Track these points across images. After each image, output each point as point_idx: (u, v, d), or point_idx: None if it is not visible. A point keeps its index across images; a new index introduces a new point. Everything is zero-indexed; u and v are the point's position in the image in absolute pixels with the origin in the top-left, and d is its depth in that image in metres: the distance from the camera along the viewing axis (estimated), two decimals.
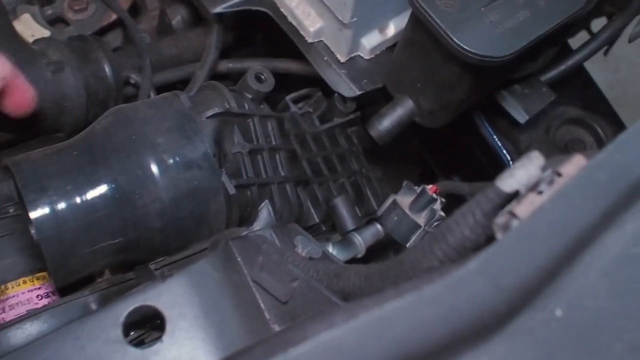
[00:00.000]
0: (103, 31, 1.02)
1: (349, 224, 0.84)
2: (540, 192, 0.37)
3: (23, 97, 0.65)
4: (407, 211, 0.80)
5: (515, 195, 0.38)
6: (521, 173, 0.38)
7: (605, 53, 1.10)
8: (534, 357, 0.35)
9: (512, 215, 0.36)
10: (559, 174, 0.37)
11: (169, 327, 0.47)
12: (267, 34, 1.10)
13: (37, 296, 0.71)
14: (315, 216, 0.81)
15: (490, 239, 0.41)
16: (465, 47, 0.65)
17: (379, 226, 0.95)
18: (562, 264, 0.35)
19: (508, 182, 0.38)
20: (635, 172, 0.36)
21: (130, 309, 0.48)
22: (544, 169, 0.39)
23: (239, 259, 0.53)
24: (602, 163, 0.36)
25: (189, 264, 0.51)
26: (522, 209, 0.36)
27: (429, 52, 0.71)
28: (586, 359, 0.35)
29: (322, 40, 0.87)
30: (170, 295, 0.48)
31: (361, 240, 0.92)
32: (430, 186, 0.80)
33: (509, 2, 0.68)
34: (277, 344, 0.33)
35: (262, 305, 0.52)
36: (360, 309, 0.32)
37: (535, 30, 0.67)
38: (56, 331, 0.49)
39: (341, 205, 0.84)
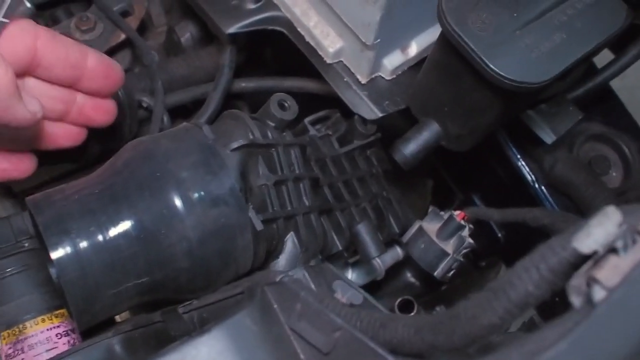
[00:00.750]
0: (111, 52, 0.99)
1: (373, 251, 0.81)
2: (618, 253, 0.35)
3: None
4: (435, 238, 0.77)
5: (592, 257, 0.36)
6: (599, 232, 0.35)
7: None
8: None
9: (593, 279, 0.34)
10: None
11: None
12: (278, 52, 1.07)
13: (57, 335, 0.69)
14: (338, 244, 0.78)
15: (555, 295, 0.38)
16: (501, 73, 0.62)
17: (399, 249, 0.93)
18: None
19: (585, 242, 0.35)
20: None
21: None
22: (621, 225, 0.36)
23: (276, 306, 0.50)
24: None
25: (223, 313, 0.48)
26: (605, 274, 0.33)
27: (460, 76, 0.68)
28: None
29: (341, 61, 0.84)
30: (209, 352, 0.45)
31: (381, 264, 0.90)
32: (457, 212, 0.77)
33: (545, 24, 0.65)
34: None
35: (302, 356, 0.49)
36: None
37: (572, 53, 0.65)
38: None
39: (364, 231, 0.81)
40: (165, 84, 0.93)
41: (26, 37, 0.60)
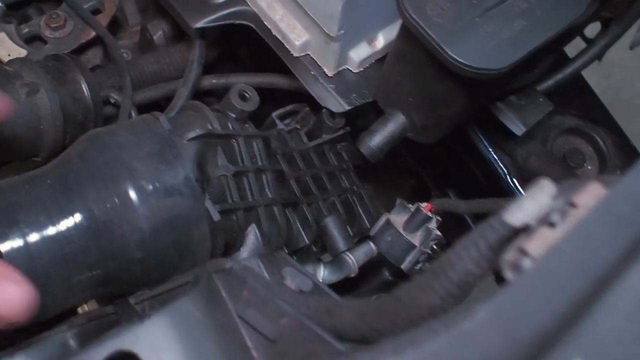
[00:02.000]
0: (82, 49, 0.98)
1: (341, 245, 0.80)
2: (551, 224, 0.34)
3: None
4: (402, 231, 0.76)
5: (524, 229, 0.35)
6: (531, 205, 0.34)
7: (599, 59, 1.07)
8: None
9: (523, 252, 0.33)
10: (574, 205, 0.34)
11: None
12: (252, 49, 1.07)
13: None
14: (305, 238, 0.77)
15: (496, 273, 0.37)
16: (460, 60, 0.61)
17: (372, 244, 0.92)
18: (581, 308, 0.32)
19: (517, 215, 0.34)
20: None
21: (106, 354, 0.44)
22: (555, 197, 0.35)
23: (224, 294, 0.49)
24: (625, 193, 0.32)
25: (170, 301, 0.47)
26: (534, 245, 0.32)
27: (422, 66, 0.67)
28: None
29: (308, 54, 0.83)
30: (149, 338, 0.44)
31: (354, 260, 0.88)
32: (425, 204, 0.76)
33: (505, 11, 0.64)
34: None
35: (249, 343, 0.48)
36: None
37: (533, 40, 0.64)
38: None
39: (332, 225, 0.80)
40: (135, 81, 0.92)
41: None
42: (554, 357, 0.31)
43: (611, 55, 1.05)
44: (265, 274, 0.55)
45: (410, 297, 0.41)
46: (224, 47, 1.01)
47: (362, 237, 0.91)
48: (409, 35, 0.65)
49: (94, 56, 1.01)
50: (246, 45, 1.07)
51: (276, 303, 0.48)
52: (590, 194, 0.34)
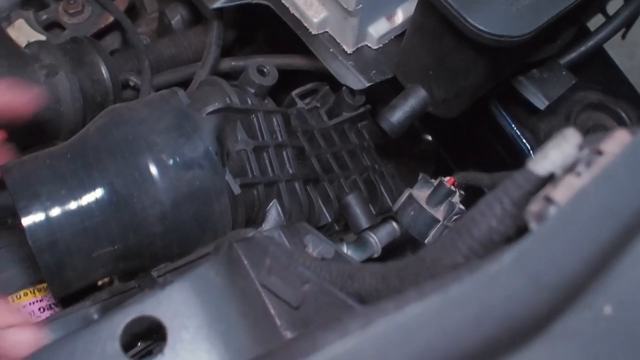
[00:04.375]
0: (100, 34, 0.98)
1: (363, 222, 0.79)
2: (578, 174, 0.33)
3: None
4: (424, 205, 0.75)
5: (549, 180, 0.34)
6: (556, 153, 0.33)
7: (623, 36, 1.05)
8: None
9: (549, 200, 0.32)
10: (600, 152, 0.33)
11: (170, 339, 0.43)
12: (270, 31, 1.06)
13: (39, 309, 0.68)
14: (327, 215, 0.77)
15: (521, 231, 0.37)
16: (480, 27, 0.60)
17: (395, 224, 0.91)
18: (610, 255, 0.31)
19: (541, 163, 0.33)
20: None
21: (128, 320, 0.43)
22: (581, 147, 0.34)
23: (245, 263, 0.49)
24: None
25: (191, 270, 0.47)
26: (560, 193, 0.32)
27: (441, 36, 0.66)
28: None
29: (327, 32, 0.83)
30: (170, 304, 0.44)
31: (377, 239, 0.88)
32: (447, 178, 0.75)
33: None
34: (286, 356, 0.28)
35: (272, 311, 0.47)
36: (378, 314, 0.28)
37: (554, 7, 0.63)
38: (49, 346, 0.45)
39: (354, 202, 0.79)
40: (153, 65, 0.93)
41: None
42: (583, 305, 0.31)
43: (635, 36, 1.03)
44: (287, 244, 0.54)
45: (434, 257, 0.40)
46: (242, 29, 1.01)
47: (385, 217, 0.91)
48: (427, 4, 0.64)
49: (113, 41, 1.01)
50: (264, 27, 1.07)
51: (298, 270, 0.48)
52: (617, 141, 0.33)
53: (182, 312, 0.44)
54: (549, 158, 0.33)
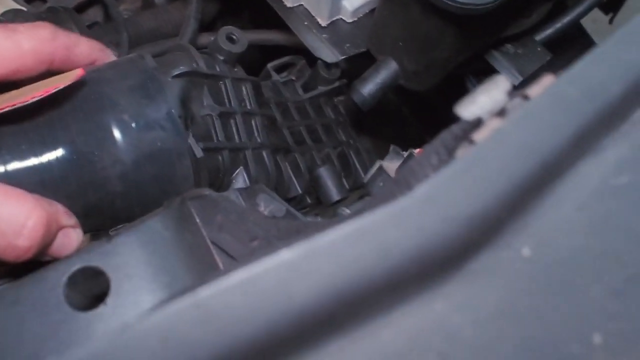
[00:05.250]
0: (82, 7, 0.98)
1: (334, 194, 0.80)
2: (502, 117, 0.33)
3: None
4: (394, 176, 0.75)
5: (477, 125, 0.34)
6: (484, 99, 0.34)
7: (611, 21, 1.04)
8: (497, 301, 0.30)
9: (471, 142, 0.32)
10: (527, 97, 0.33)
11: (113, 289, 0.44)
12: (254, 10, 1.06)
13: None
14: (297, 186, 0.77)
15: None
16: None
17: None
18: (529, 195, 0.31)
19: (470, 108, 0.34)
20: (613, 90, 0.32)
21: (73, 270, 0.44)
22: (511, 94, 0.34)
23: (197, 220, 0.49)
24: (573, 78, 0.31)
25: (140, 224, 0.48)
26: (481, 134, 0.32)
27: (408, 6, 0.66)
28: (559, 304, 0.31)
29: (302, 5, 0.83)
30: (116, 256, 0.45)
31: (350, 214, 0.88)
32: (417, 150, 0.75)
33: None
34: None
35: (220, 266, 0.48)
36: (285, 244, 0.28)
37: None
38: None
39: (326, 175, 0.80)
40: (133, 38, 0.93)
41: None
42: (501, 244, 0.31)
43: (623, 22, 1.03)
44: (243, 204, 0.55)
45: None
46: (222, 4, 1.01)
47: (361, 195, 0.91)
48: None
49: (95, 15, 1.01)
50: (247, 7, 1.07)
51: (248, 226, 0.48)
52: (543, 86, 0.33)
53: (127, 263, 0.45)
54: (477, 103, 0.34)
